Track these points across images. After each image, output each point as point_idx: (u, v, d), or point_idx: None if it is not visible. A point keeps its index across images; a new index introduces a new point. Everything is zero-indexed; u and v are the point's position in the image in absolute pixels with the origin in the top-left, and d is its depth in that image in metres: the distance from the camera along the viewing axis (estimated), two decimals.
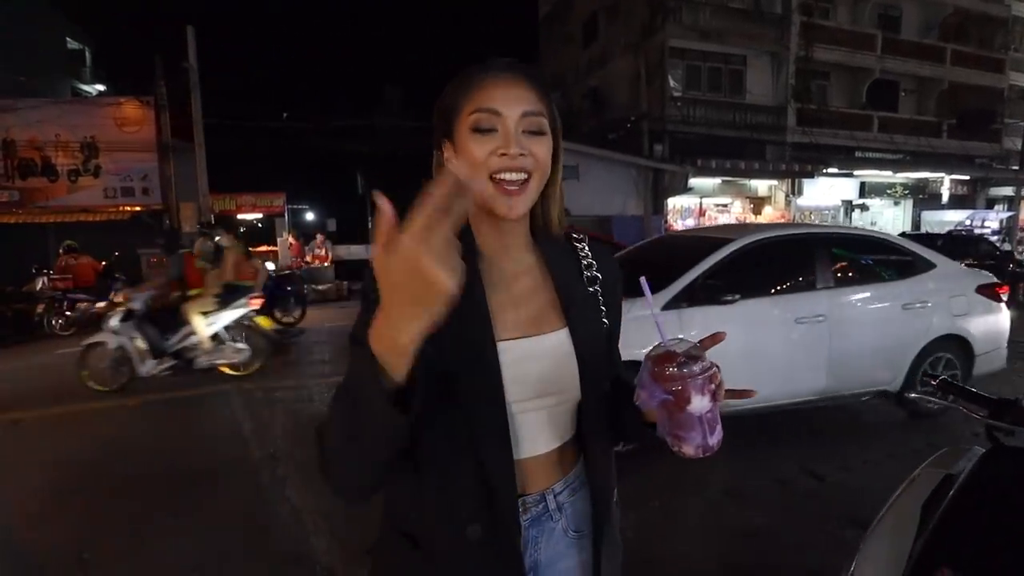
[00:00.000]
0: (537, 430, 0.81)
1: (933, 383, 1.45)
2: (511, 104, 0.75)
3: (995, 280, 4.33)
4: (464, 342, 0.75)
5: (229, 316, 5.30)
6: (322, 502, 2.98)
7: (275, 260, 11.42)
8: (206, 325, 5.15)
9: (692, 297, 3.41)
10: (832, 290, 3.78)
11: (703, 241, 3.90)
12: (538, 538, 0.84)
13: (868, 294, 3.94)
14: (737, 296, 3.46)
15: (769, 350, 3.52)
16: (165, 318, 5.17)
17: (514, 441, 0.78)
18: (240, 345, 5.39)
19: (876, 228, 18.17)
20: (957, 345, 4.09)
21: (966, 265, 10.65)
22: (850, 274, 4.03)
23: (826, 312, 3.67)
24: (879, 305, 3.92)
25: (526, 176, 0.76)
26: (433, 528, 0.78)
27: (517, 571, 0.79)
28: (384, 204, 0.52)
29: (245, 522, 2.88)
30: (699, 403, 0.68)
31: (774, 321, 3.61)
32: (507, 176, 0.75)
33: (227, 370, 5.37)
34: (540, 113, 0.77)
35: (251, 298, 5.44)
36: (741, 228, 4.39)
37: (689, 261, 3.60)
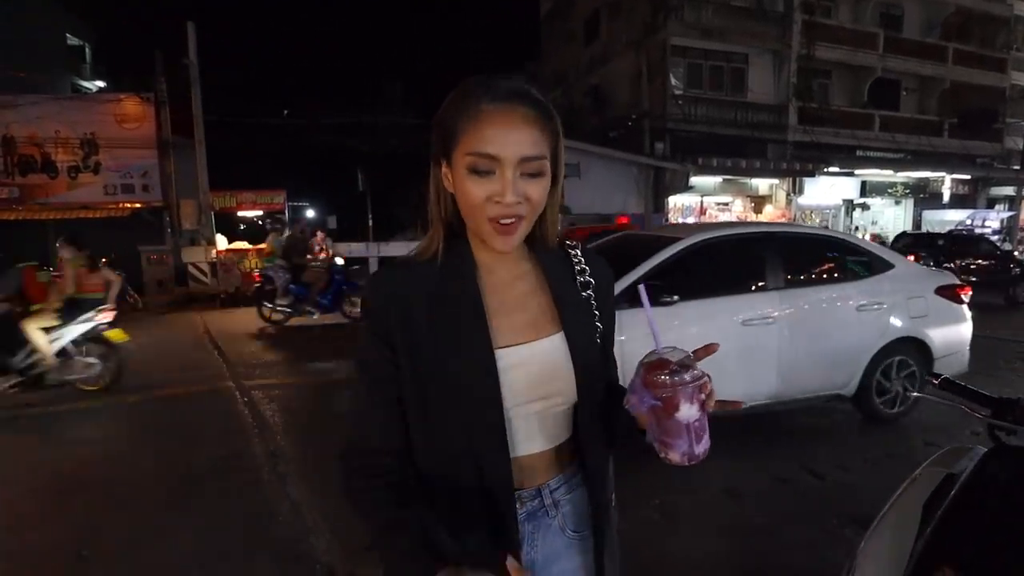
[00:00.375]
0: (533, 432, 0.83)
1: (935, 382, 1.44)
2: (510, 147, 0.73)
3: (956, 281, 4.22)
4: (463, 349, 0.78)
5: (75, 331, 5.05)
6: (322, 500, 2.98)
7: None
8: (49, 341, 4.91)
9: (633, 298, 3.30)
10: (783, 291, 3.65)
11: (653, 240, 3.79)
12: (534, 534, 0.85)
13: (821, 295, 3.82)
14: (675, 297, 3.35)
15: (714, 353, 3.36)
16: (11, 334, 4.87)
17: (510, 442, 0.80)
18: (90, 360, 5.17)
19: (879, 226, 18.18)
20: (915, 348, 3.98)
21: (966, 265, 10.48)
22: (802, 274, 3.88)
23: (776, 314, 3.54)
24: (832, 306, 3.80)
25: (520, 217, 0.77)
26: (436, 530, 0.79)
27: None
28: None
29: (245, 520, 2.88)
30: (687, 411, 0.69)
31: (720, 323, 3.48)
32: (502, 220, 0.76)
33: (81, 386, 5.14)
34: (540, 156, 0.75)
35: (101, 310, 5.17)
36: (693, 227, 4.25)
37: (636, 261, 3.51)
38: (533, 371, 0.81)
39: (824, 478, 3.20)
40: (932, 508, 1.17)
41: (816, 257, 4.05)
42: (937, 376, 1.45)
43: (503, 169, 0.73)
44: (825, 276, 3.98)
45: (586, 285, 0.90)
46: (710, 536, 2.65)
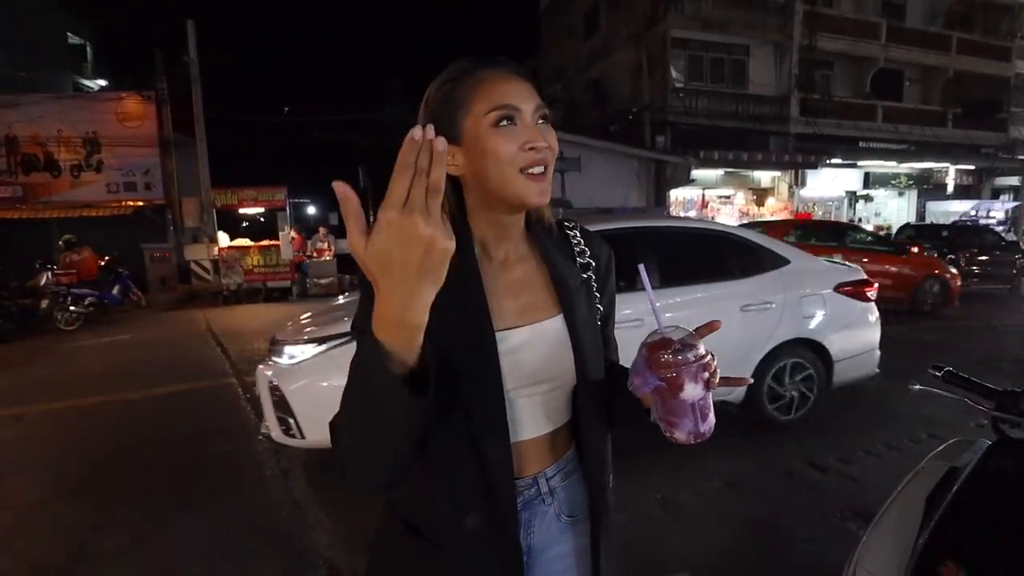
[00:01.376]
0: (532, 415, 0.83)
1: (937, 374, 1.43)
2: (525, 98, 0.77)
3: (860, 277, 3.93)
4: (463, 332, 0.77)
5: None
6: (324, 496, 2.99)
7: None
8: None
9: None
10: (655, 291, 3.24)
11: None
12: (531, 522, 0.85)
13: (699, 294, 3.51)
14: None
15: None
16: None
17: (510, 427, 0.79)
18: None
19: (882, 218, 18.05)
20: (811, 350, 3.73)
21: (970, 256, 10.27)
22: (680, 272, 3.50)
23: (643, 316, 3.12)
24: (712, 307, 3.50)
25: (545, 166, 0.79)
26: (434, 516, 0.79)
27: (515, 558, 0.80)
28: (346, 191, 0.52)
29: (247, 516, 2.89)
30: (692, 390, 0.69)
31: None
32: (534, 170, 0.77)
33: None
34: (545, 104, 0.80)
35: None
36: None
37: None
38: (534, 354, 0.81)
39: (826, 471, 3.19)
40: (935, 502, 1.16)
41: (698, 253, 3.68)
42: (940, 368, 1.43)
43: (524, 118, 0.77)
44: (706, 274, 3.61)
45: (586, 267, 0.90)
46: (712, 530, 2.65)
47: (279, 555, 2.53)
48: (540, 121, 0.78)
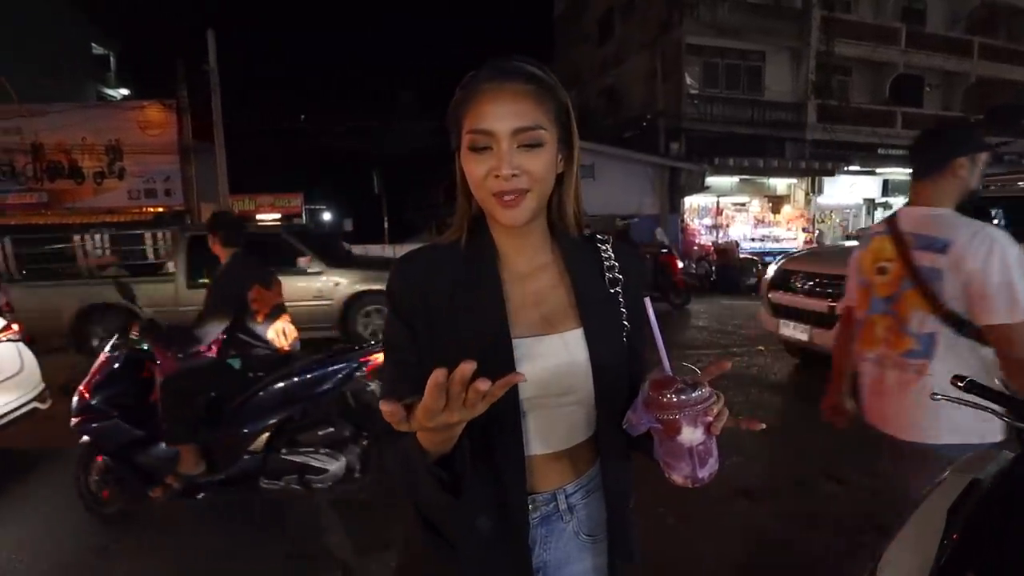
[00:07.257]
0: (548, 428, 0.82)
1: (960, 384, 1.39)
2: (503, 120, 0.74)
3: None
4: (481, 337, 0.77)
5: None
6: (338, 497, 2.99)
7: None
8: None
9: None
10: None
11: None
12: (547, 538, 0.85)
13: None
14: None
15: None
16: None
17: (525, 438, 0.79)
18: None
19: None
20: None
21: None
22: None
23: None
24: None
25: (521, 191, 0.77)
26: (449, 519, 0.81)
27: (524, 566, 0.80)
28: (388, 408, 0.58)
29: (258, 517, 2.90)
30: (690, 434, 0.66)
31: None
32: (505, 196, 0.76)
33: None
34: (535, 127, 0.75)
35: None
36: None
37: None
38: (548, 365, 0.80)
39: (844, 482, 3.13)
40: (957, 515, 1.13)
41: None
42: (963, 379, 1.40)
43: (498, 143, 0.75)
44: None
45: (614, 281, 0.88)
46: (725, 540, 2.61)
47: (291, 555, 2.53)
48: (523, 144, 0.75)
